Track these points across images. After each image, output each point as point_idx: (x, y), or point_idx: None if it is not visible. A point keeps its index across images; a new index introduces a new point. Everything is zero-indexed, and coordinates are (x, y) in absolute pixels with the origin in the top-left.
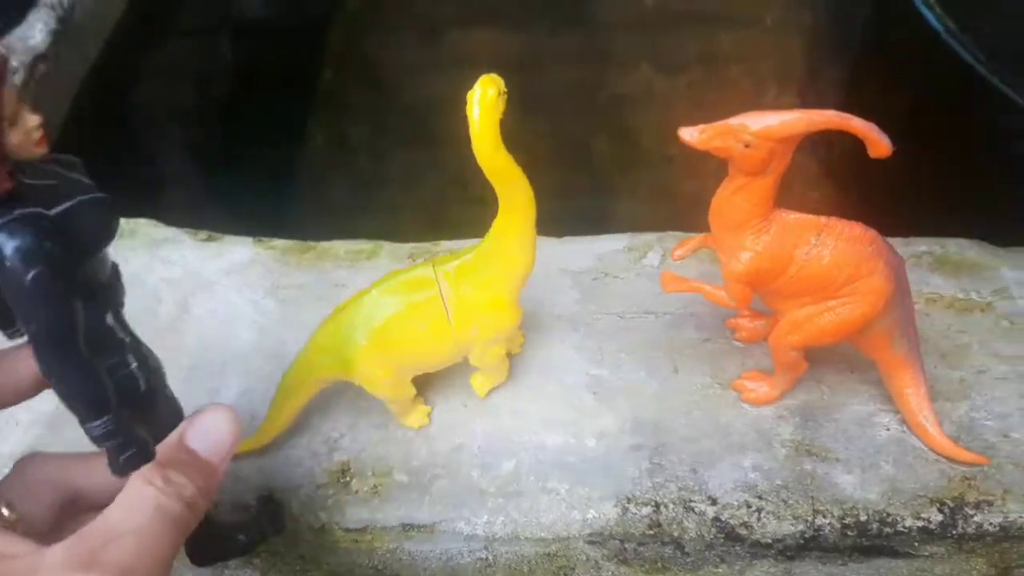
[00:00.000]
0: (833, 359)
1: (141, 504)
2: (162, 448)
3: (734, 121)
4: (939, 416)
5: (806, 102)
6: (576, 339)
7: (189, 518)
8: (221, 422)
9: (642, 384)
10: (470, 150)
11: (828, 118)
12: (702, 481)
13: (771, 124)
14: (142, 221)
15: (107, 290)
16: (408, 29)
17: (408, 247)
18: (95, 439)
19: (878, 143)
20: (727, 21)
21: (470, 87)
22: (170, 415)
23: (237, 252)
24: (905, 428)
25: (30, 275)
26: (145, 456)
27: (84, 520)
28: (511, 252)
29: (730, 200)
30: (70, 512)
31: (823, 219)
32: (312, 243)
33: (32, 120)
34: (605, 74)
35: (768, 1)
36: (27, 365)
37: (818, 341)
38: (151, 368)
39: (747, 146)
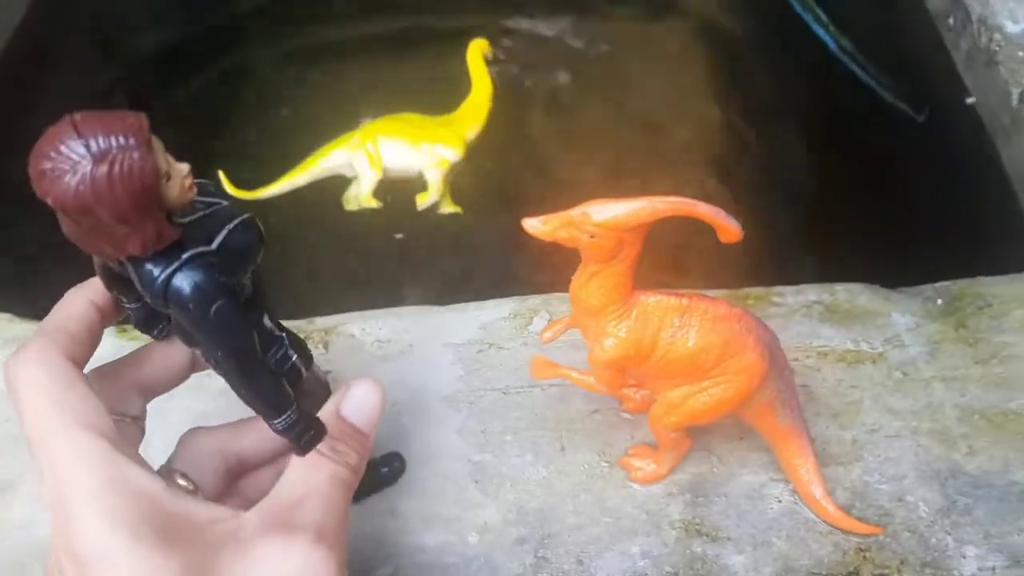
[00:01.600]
0: (723, 426)
1: (316, 472)
2: (323, 420)
3: (576, 212)
4: (832, 483)
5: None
6: (459, 421)
7: (354, 481)
8: (371, 395)
9: (527, 468)
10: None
11: (673, 205)
12: (589, 574)
13: (614, 215)
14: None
15: (256, 295)
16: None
17: None
18: (280, 432)
19: (726, 228)
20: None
21: None
22: (319, 387)
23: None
24: (797, 499)
25: (212, 311)
26: (320, 436)
27: (244, 484)
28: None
29: (586, 287)
30: (233, 477)
31: (685, 300)
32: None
33: (182, 169)
34: None
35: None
36: (177, 354)
37: (695, 421)
38: (306, 354)
39: (592, 236)
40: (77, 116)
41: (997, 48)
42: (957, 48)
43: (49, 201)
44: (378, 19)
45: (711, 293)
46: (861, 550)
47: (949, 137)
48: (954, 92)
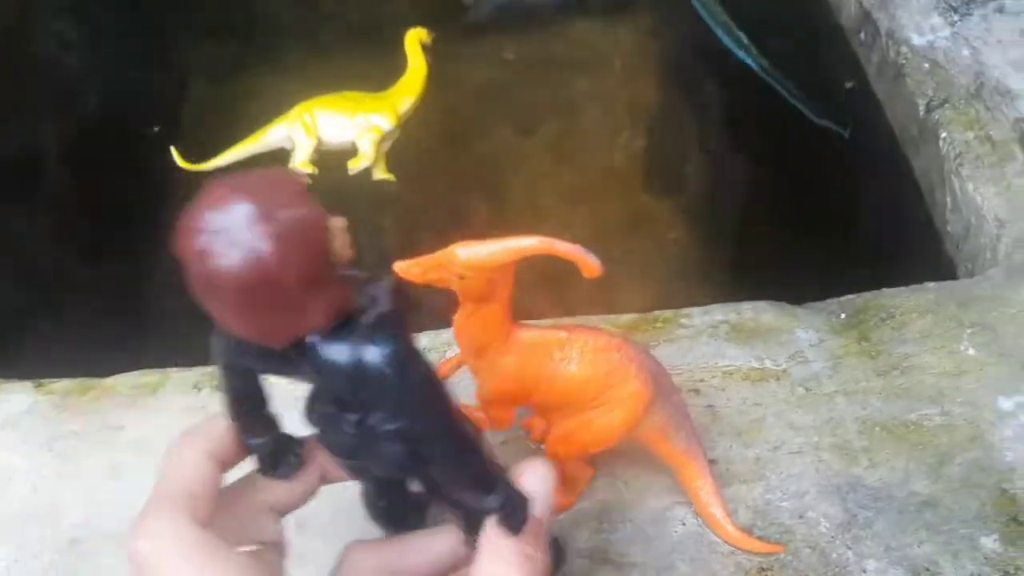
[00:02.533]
0: (629, 452)
1: (505, 565)
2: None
3: (442, 253)
4: (735, 502)
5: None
6: None
7: (539, 565)
8: (546, 479)
9: None
10: None
11: (534, 245)
12: None
13: (479, 256)
14: None
15: None
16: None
17: (194, 374)
18: (493, 511)
19: (586, 264)
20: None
21: None
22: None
23: (14, 401)
24: (700, 522)
25: (414, 375)
26: (526, 513)
27: None
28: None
29: (465, 326)
30: None
31: (563, 334)
32: (95, 380)
33: (340, 222)
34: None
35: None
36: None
37: (588, 450)
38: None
39: (462, 277)
40: (229, 181)
41: (904, 61)
42: (869, 61)
43: (219, 286)
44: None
45: (622, 318)
46: (763, 569)
47: (866, 150)
48: (868, 106)
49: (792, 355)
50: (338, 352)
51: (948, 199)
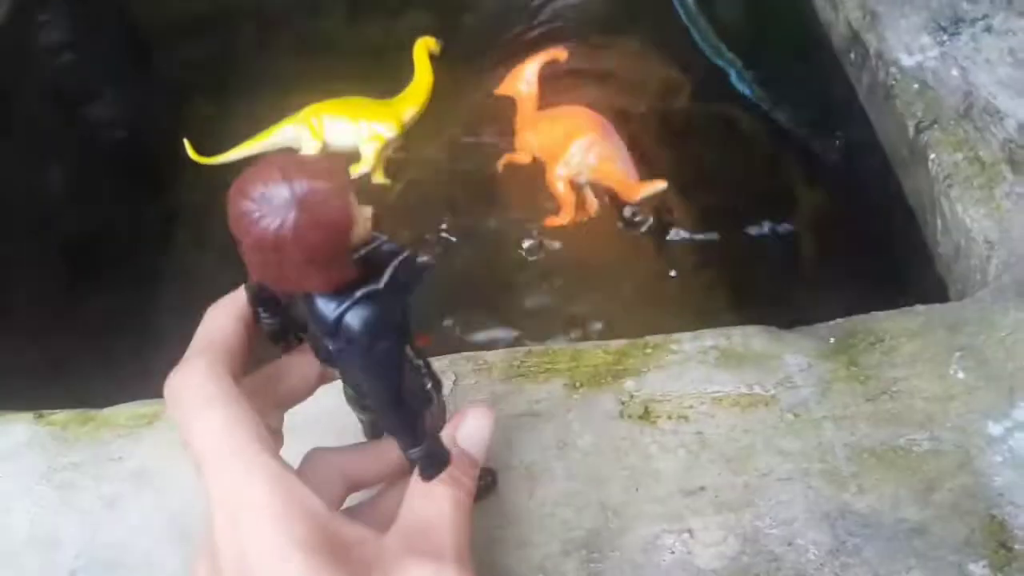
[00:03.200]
0: (619, 478)
1: (440, 499)
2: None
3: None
4: (723, 530)
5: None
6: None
7: (470, 505)
8: (483, 423)
9: None
10: None
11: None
12: None
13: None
14: None
15: (406, 322)
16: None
17: None
18: (412, 460)
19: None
20: None
21: None
22: (440, 411)
23: (15, 432)
24: (690, 548)
25: (377, 348)
26: (446, 465)
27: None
28: (413, 96)
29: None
30: (345, 495)
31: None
32: (94, 412)
33: (367, 211)
34: None
35: None
36: (310, 369)
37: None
38: (437, 382)
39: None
40: (280, 160)
41: (893, 82)
42: (860, 83)
43: (247, 241)
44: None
45: (613, 344)
46: None
47: (858, 172)
48: (860, 127)
49: (781, 380)
50: (328, 308)
51: (939, 220)
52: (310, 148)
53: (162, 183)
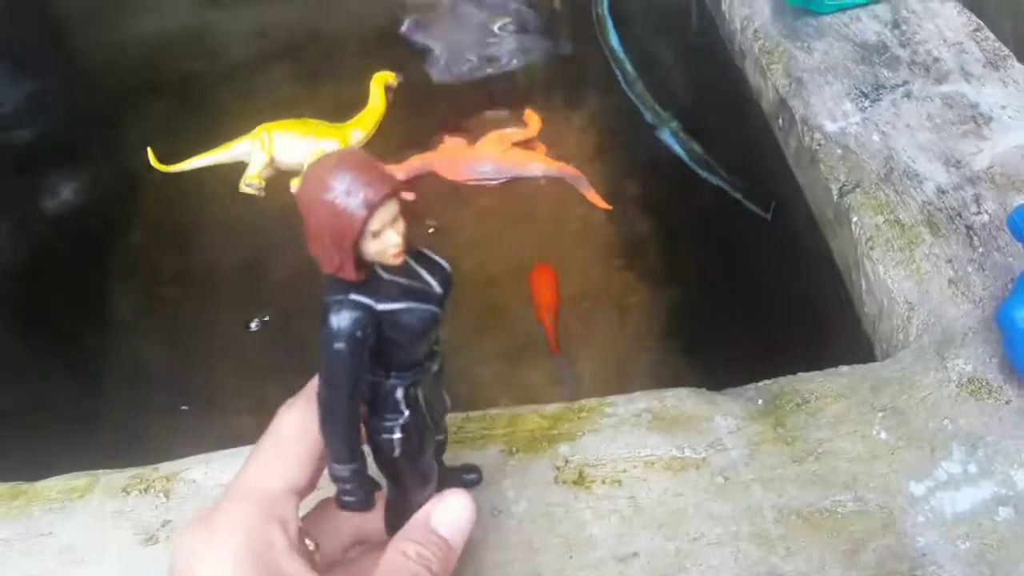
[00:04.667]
0: (552, 543)
1: (398, 572)
2: (413, 524)
3: None
4: None
5: None
6: None
7: None
8: (462, 508)
9: None
10: None
11: None
12: None
13: None
14: None
15: (417, 367)
16: None
17: (123, 477)
18: (331, 477)
19: None
20: None
21: None
22: (418, 482)
23: None
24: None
25: (332, 346)
26: (363, 507)
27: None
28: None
29: None
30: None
31: None
32: (25, 485)
33: (392, 239)
34: None
35: None
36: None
37: None
38: (415, 443)
39: None
40: (361, 153)
41: (818, 147)
42: (788, 147)
43: (300, 207)
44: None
45: (548, 408)
46: None
47: (788, 234)
48: (790, 190)
49: (711, 443)
50: (325, 292)
51: (863, 281)
52: (258, 161)
53: (107, 255)
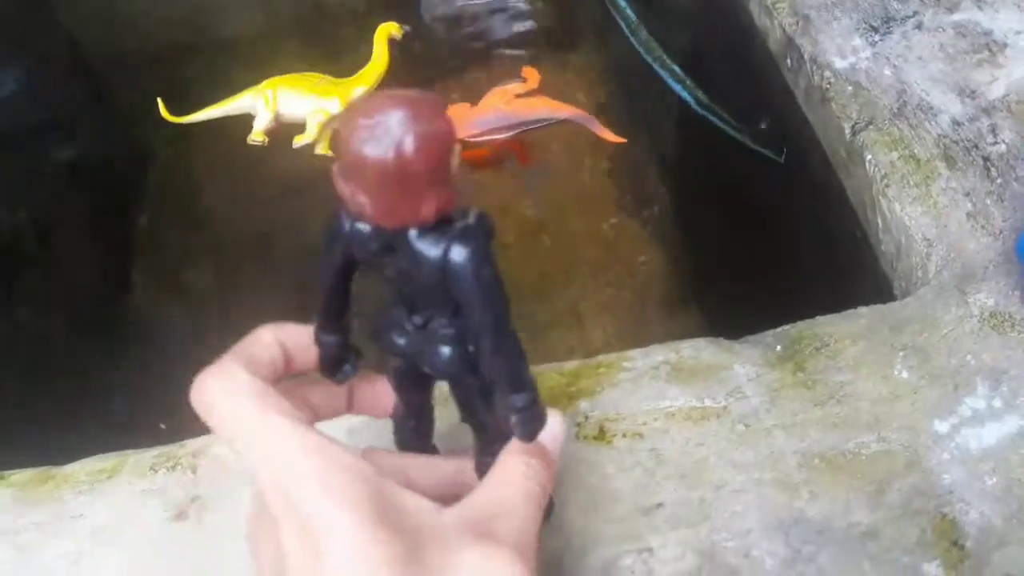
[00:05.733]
0: (577, 498)
1: (514, 487)
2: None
3: None
4: (682, 546)
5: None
6: None
7: (544, 502)
8: (558, 423)
9: None
10: None
11: None
12: None
13: None
14: None
15: None
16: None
17: (149, 456)
18: (518, 408)
19: None
20: None
21: None
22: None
23: None
24: (651, 570)
25: (486, 275)
26: (543, 424)
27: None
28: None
29: None
30: None
31: None
32: (54, 469)
33: (457, 145)
34: None
35: None
36: (342, 391)
37: None
38: None
39: None
40: (386, 93)
41: (828, 85)
42: (798, 87)
43: (368, 170)
44: None
45: (567, 366)
46: None
47: (801, 176)
48: (801, 131)
49: (731, 391)
50: (431, 245)
51: (879, 220)
52: (263, 117)
53: (123, 223)
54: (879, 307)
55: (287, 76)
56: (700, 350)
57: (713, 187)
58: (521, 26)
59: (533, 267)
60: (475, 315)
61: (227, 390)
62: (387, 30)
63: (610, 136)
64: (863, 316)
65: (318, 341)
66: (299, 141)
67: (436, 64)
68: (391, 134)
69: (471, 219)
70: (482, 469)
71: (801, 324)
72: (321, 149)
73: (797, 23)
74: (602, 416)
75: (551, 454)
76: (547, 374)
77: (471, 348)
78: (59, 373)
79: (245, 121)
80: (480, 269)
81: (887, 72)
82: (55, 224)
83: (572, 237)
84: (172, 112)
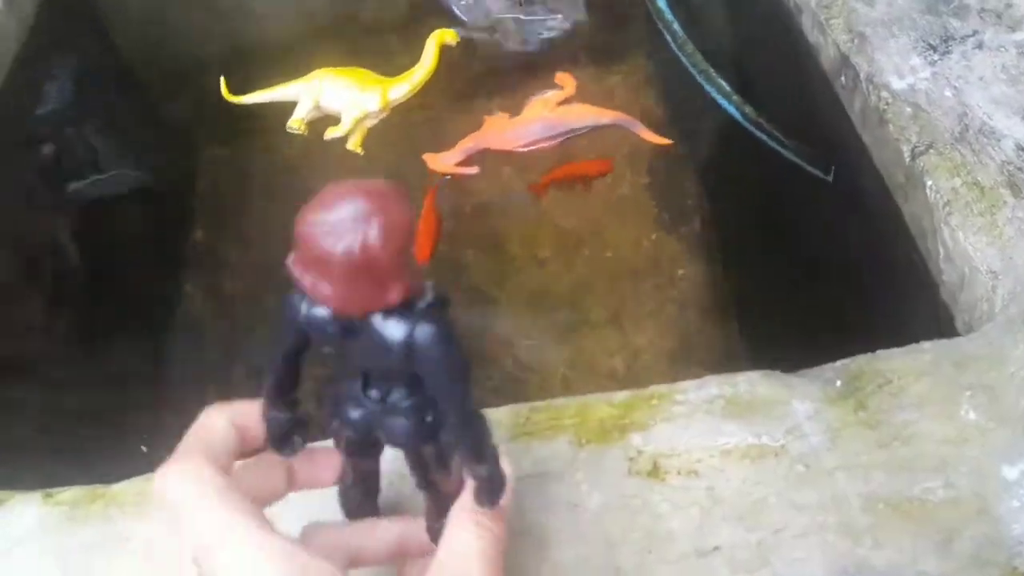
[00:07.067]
0: (631, 537)
1: (468, 550)
2: (466, 496)
3: None
4: None
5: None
6: None
7: (500, 552)
8: (506, 472)
9: None
10: None
11: None
12: None
13: None
14: None
15: None
16: None
17: None
18: (482, 478)
19: None
20: None
21: None
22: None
23: (23, 514)
24: None
25: (453, 349)
26: (502, 489)
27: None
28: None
29: None
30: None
31: None
32: (102, 488)
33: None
34: None
35: None
36: (280, 471)
37: None
38: None
39: None
40: (344, 184)
41: (886, 106)
42: (852, 106)
43: (333, 260)
44: None
45: (618, 396)
46: None
47: (855, 199)
48: (855, 152)
49: (790, 429)
50: (394, 327)
51: (940, 248)
52: (305, 105)
53: (171, 233)
54: (943, 342)
55: (336, 68)
56: (756, 384)
57: (757, 203)
58: (557, 36)
59: (571, 276)
60: (441, 391)
61: (192, 492)
62: (443, 36)
63: (656, 139)
64: (926, 352)
65: (267, 418)
66: (331, 133)
67: (472, 73)
68: (356, 227)
69: (430, 297)
70: (434, 534)
71: (861, 358)
72: (352, 145)
73: (852, 40)
74: (656, 451)
75: (501, 504)
76: (597, 405)
77: (428, 418)
78: (110, 385)
79: (293, 137)
80: (447, 347)
81: (947, 94)
82: (104, 237)
83: (611, 249)
84: (213, 126)
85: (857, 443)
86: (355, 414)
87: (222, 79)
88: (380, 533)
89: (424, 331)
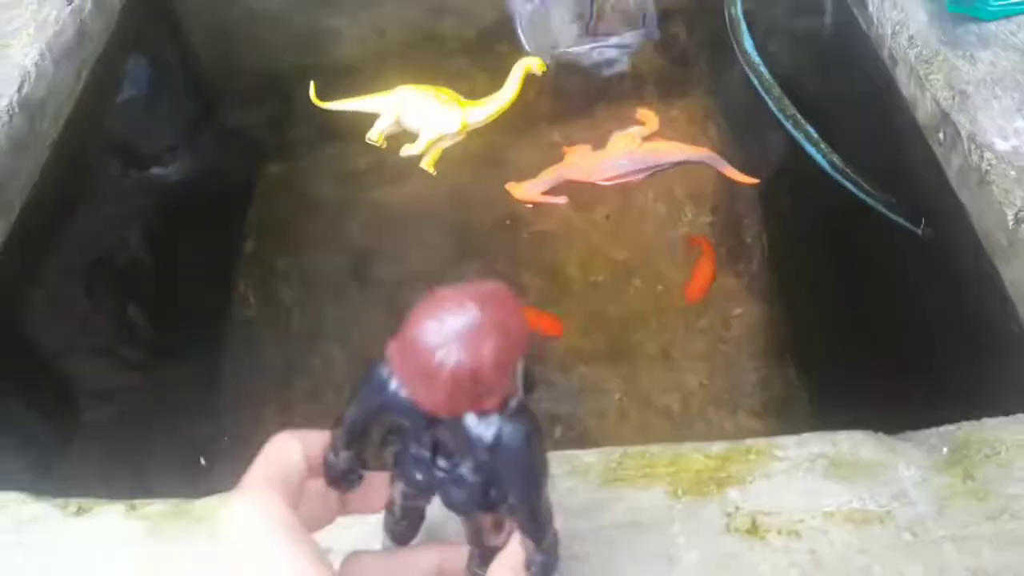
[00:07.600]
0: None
1: None
2: (513, 556)
3: None
4: None
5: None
6: None
7: None
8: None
9: None
10: None
11: None
12: None
13: None
14: (11, 495)
15: None
16: None
17: None
18: (539, 563)
19: None
20: None
21: None
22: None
23: (108, 525)
24: None
25: (538, 450)
26: (556, 566)
27: None
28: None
29: None
30: None
31: None
32: (187, 503)
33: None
34: None
35: None
36: (334, 498)
37: None
38: None
39: None
40: (455, 292)
41: (988, 167)
42: (949, 164)
43: (443, 373)
44: None
45: (714, 447)
46: None
47: (948, 257)
48: (949, 211)
49: (895, 495)
50: (483, 427)
51: None
52: (386, 119)
53: (231, 245)
54: None
55: (419, 85)
56: (859, 444)
57: (826, 249)
58: (633, 68)
59: (621, 306)
60: (518, 490)
61: (262, 529)
62: (527, 66)
63: (740, 177)
64: None
65: (327, 459)
66: (407, 150)
67: (547, 104)
68: (469, 345)
69: (519, 391)
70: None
71: (967, 426)
72: (426, 164)
73: (953, 98)
74: (755, 508)
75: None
76: (692, 456)
77: (492, 492)
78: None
79: (343, 153)
80: (533, 452)
81: None
82: (166, 238)
83: (664, 282)
84: (281, 143)
85: (965, 514)
86: (420, 476)
87: (311, 84)
88: (422, 563)
89: (512, 434)
